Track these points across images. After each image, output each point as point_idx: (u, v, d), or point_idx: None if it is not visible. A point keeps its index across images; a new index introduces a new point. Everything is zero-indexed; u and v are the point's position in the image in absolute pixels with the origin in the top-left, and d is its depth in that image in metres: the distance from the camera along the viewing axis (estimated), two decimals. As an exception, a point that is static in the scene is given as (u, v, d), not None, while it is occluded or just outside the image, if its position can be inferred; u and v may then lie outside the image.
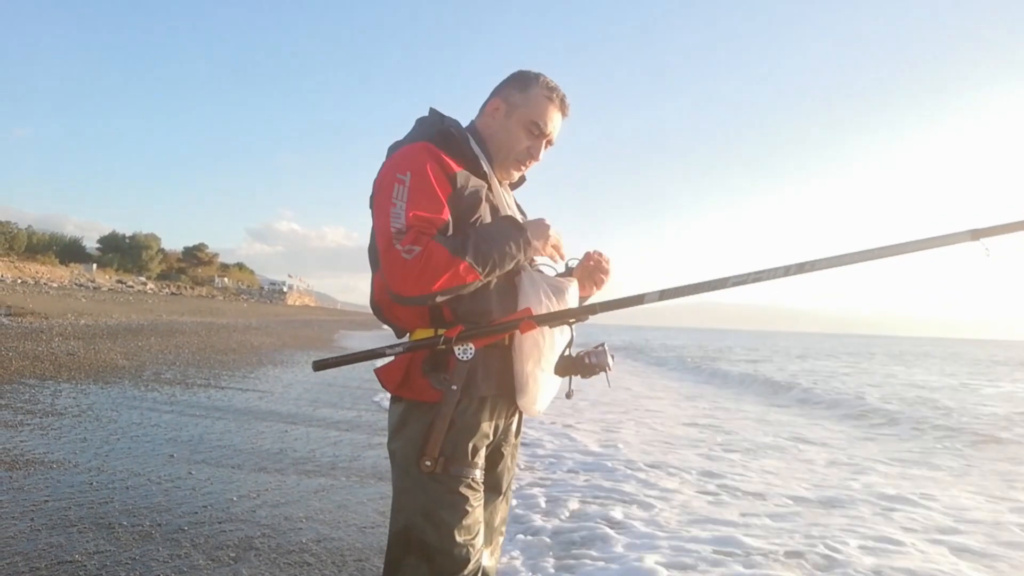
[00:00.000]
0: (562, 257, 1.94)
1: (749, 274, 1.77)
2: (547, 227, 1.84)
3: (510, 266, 1.73)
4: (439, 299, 1.64)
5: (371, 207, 1.76)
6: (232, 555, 3.38)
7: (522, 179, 2.02)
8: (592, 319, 1.84)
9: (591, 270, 1.99)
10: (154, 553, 3.32)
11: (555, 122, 1.90)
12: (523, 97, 1.87)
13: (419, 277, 1.59)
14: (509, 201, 1.93)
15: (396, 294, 1.63)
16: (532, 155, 1.90)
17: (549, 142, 1.92)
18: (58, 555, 3.21)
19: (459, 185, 1.71)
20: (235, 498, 4.36)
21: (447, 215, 1.67)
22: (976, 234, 1.72)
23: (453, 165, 1.73)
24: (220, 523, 3.84)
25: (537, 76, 1.89)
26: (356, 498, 4.61)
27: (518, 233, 1.74)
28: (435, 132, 1.79)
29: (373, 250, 1.76)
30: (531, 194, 2.09)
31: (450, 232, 1.67)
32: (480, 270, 1.65)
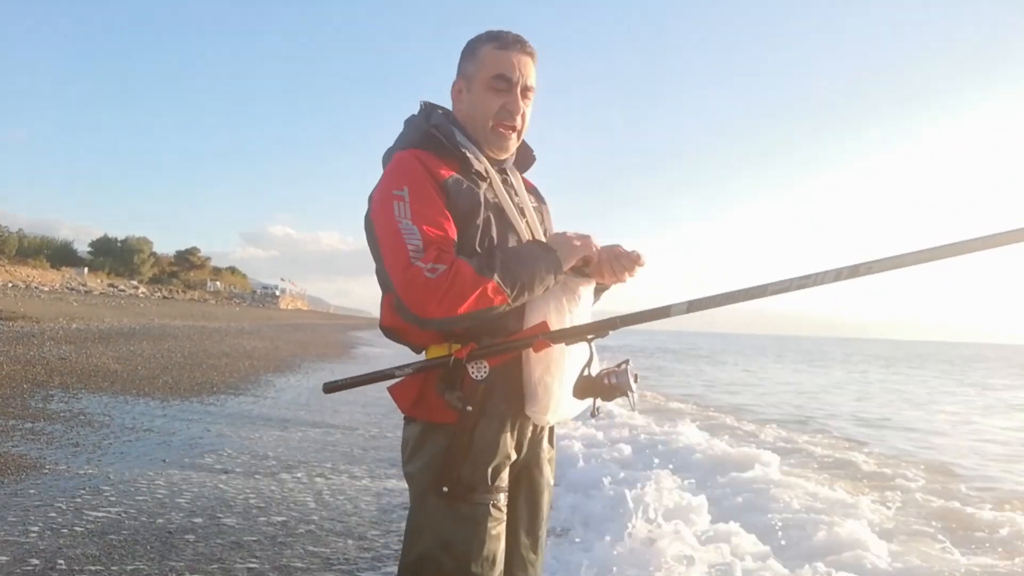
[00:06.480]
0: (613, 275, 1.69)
1: (792, 280, 1.51)
2: (576, 243, 1.65)
3: (540, 291, 1.59)
4: (463, 323, 1.52)
5: (367, 226, 1.63)
6: (224, 565, 3.37)
7: (531, 157, 1.85)
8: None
9: (612, 257, 1.71)
10: (145, 559, 3.32)
11: (520, 66, 1.68)
12: (475, 62, 1.70)
13: (444, 297, 1.46)
14: (519, 187, 1.78)
15: (417, 316, 1.50)
16: (511, 110, 1.68)
17: (525, 88, 1.70)
18: (50, 560, 3.20)
19: (452, 194, 1.59)
20: (228, 503, 4.36)
21: (454, 231, 1.56)
22: None
23: (442, 172, 1.61)
24: (213, 530, 3.84)
25: (482, 35, 1.73)
26: (352, 503, 4.61)
27: (548, 255, 1.60)
28: (420, 136, 1.67)
29: (383, 273, 1.58)
30: (547, 187, 1.92)
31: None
32: (509, 292, 1.53)
